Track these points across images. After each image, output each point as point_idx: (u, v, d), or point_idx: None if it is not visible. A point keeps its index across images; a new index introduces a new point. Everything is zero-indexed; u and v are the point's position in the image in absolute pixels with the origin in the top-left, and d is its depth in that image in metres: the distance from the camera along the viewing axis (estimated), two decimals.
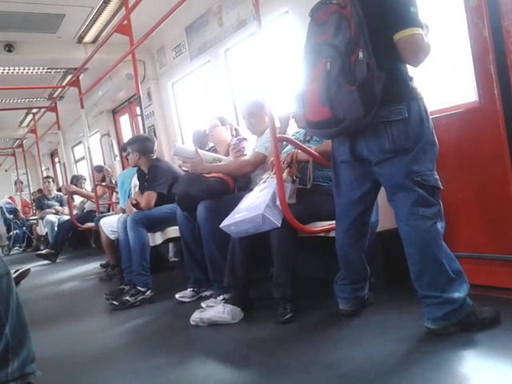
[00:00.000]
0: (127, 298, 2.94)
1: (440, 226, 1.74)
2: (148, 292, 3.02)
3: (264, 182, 2.42)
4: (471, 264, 2.18)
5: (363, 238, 2.05)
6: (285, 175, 2.32)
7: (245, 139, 3.12)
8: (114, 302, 2.92)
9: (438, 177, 1.75)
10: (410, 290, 1.83)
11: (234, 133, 3.31)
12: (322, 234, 2.28)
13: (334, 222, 2.13)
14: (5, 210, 8.40)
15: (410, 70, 1.75)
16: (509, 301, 2.00)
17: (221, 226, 2.30)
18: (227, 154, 3.08)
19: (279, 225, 2.16)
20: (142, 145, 3.48)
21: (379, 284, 2.40)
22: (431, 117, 1.78)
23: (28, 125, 8.35)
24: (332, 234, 2.19)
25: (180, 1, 3.07)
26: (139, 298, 2.97)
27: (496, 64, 2.01)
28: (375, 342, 1.78)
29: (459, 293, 1.70)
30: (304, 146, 2.36)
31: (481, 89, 2.13)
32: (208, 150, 3.32)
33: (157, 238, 3.31)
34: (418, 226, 1.73)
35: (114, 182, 5.40)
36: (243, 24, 3.64)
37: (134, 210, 3.25)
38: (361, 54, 1.61)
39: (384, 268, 2.44)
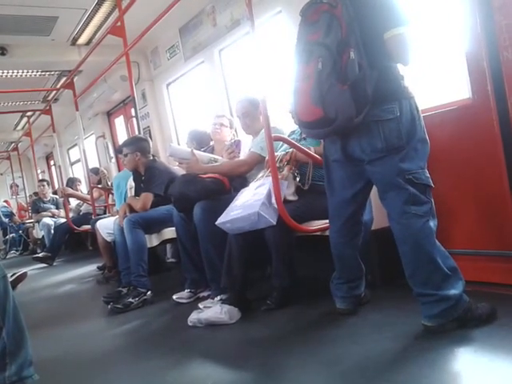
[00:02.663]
0: (130, 299, 2.93)
1: (432, 223, 1.74)
2: (148, 293, 3.03)
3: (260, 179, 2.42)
4: (467, 260, 2.19)
5: (357, 236, 2.05)
6: (285, 172, 2.33)
7: (240, 141, 3.13)
8: (117, 306, 2.88)
9: (428, 175, 1.76)
10: (406, 287, 1.83)
11: (233, 137, 3.35)
12: (318, 233, 2.29)
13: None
14: (1, 213, 8.37)
15: (402, 69, 1.76)
16: (505, 296, 2.01)
17: (216, 222, 2.32)
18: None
19: (274, 223, 2.18)
20: (142, 145, 3.46)
21: (376, 282, 2.40)
22: (425, 114, 1.78)
23: (23, 128, 8.33)
24: (328, 232, 2.19)
25: (173, 2, 3.07)
26: (141, 299, 2.97)
27: (489, 60, 2.02)
28: (372, 340, 1.78)
29: (455, 290, 1.70)
30: (300, 145, 2.36)
31: (474, 85, 2.13)
32: (205, 150, 3.33)
33: (153, 240, 3.31)
34: (410, 224, 1.73)
35: (109, 183, 5.39)
36: (237, 24, 3.65)
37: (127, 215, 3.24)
38: (352, 54, 1.61)
39: (380, 266, 2.45)
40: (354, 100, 1.63)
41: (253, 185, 2.40)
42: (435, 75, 2.36)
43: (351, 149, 1.83)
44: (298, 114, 1.83)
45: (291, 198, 2.34)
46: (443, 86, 2.37)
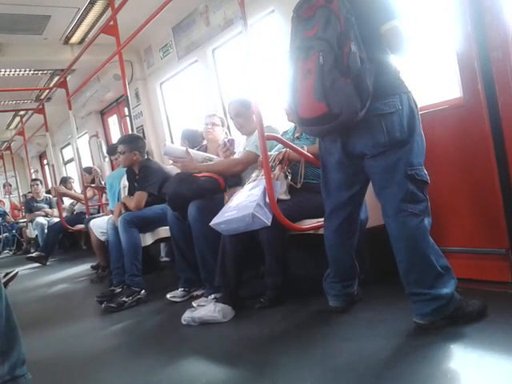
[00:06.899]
0: (124, 298, 2.92)
1: (427, 222, 1.75)
2: (142, 292, 3.03)
3: (254, 180, 2.43)
4: (459, 258, 2.21)
5: (353, 236, 2.05)
6: (277, 171, 2.33)
7: (233, 140, 3.14)
8: (110, 305, 2.88)
9: (426, 172, 1.76)
10: (398, 285, 1.84)
11: (225, 135, 3.35)
12: (311, 232, 2.30)
13: (323, 219, 2.13)
14: None
15: (397, 64, 1.76)
16: (495, 293, 2.03)
17: (211, 224, 2.31)
18: (218, 154, 3.09)
19: (269, 224, 2.17)
20: (140, 144, 3.44)
21: (368, 280, 2.41)
22: None
23: (16, 127, 8.29)
24: (321, 231, 2.20)
25: (166, 1, 3.07)
26: (135, 298, 2.97)
27: (479, 60, 2.04)
28: (364, 337, 1.80)
29: (447, 288, 1.71)
30: (294, 145, 2.37)
31: (465, 85, 2.15)
32: (199, 149, 3.33)
33: (147, 239, 3.30)
34: (406, 222, 1.74)
35: (103, 183, 5.38)
36: (230, 23, 3.65)
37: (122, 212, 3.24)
38: (353, 47, 1.61)
39: (373, 264, 2.46)
40: (358, 93, 1.62)
41: (247, 186, 2.40)
42: (426, 74, 2.37)
43: (352, 146, 1.81)
44: (299, 111, 1.80)
45: (283, 197, 2.34)
46: (434, 85, 2.38)
